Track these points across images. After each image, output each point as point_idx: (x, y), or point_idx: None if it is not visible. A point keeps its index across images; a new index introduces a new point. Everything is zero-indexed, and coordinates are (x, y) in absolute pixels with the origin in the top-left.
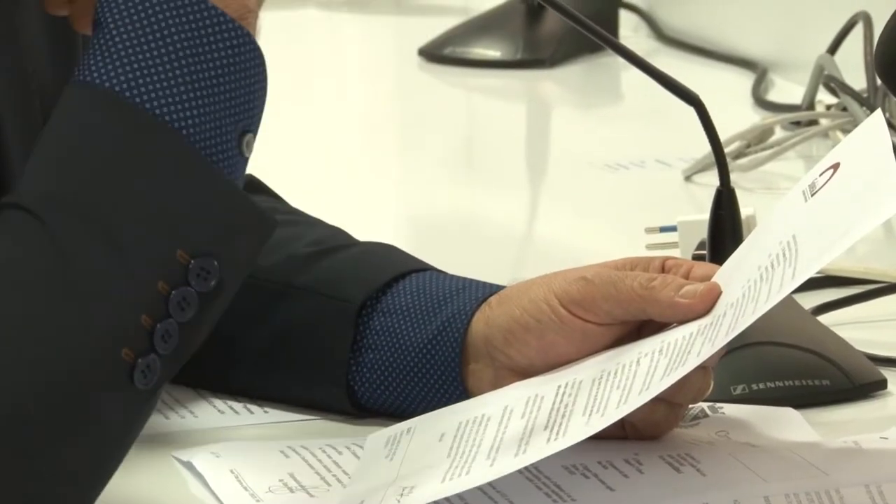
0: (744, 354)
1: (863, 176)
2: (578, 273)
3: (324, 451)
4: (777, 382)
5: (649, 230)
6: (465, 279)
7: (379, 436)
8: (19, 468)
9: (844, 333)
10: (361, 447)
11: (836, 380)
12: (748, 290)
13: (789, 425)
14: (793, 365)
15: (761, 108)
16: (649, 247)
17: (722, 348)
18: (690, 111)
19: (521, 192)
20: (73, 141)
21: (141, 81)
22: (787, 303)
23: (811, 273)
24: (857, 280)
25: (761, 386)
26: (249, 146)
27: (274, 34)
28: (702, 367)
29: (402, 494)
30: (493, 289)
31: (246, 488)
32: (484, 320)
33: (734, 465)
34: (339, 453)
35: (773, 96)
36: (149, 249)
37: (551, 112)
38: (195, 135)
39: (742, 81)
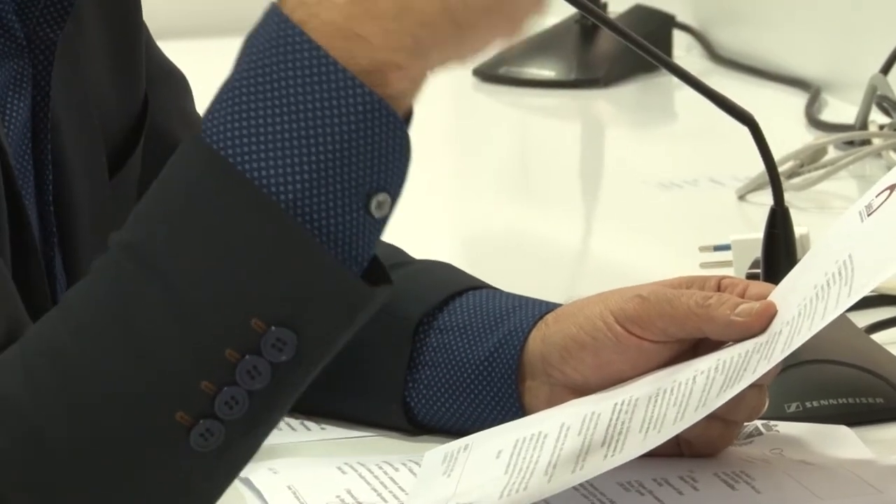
0: (798, 372)
1: None
2: (634, 291)
3: (380, 468)
4: (830, 400)
5: (703, 249)
6: (521, 297)
7: (436, 452)
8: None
9: None
10: (418, 464)
11: (890, 397)
12: (804, 308)
13: (843, 443)
14: (846, 383)
15: (814, 127)
16: (703, 265)
17: (777, 366)
18: (743, 130)
19: (575, 210)
20: (170, 195)
21: (243, 141)
22: (841, 321)
23: (867, 291)
24: None
25: (815, 404)
26: (382, 206)
27: None
28: (757, 386)
29: None
30: (550, 307)
31: (302, 502)
32: (540, 338)
33: (788, 483)
34: (396, 470)
35: (826, 116)
36: (220, 315)
37: (605, 131)
38: (296, 202)
39: (795, 101)
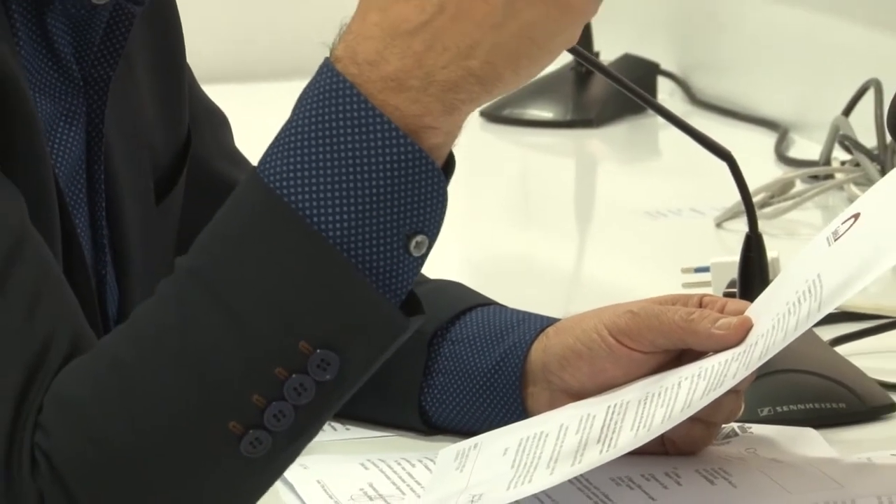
0: (770, 380)
1: (881, 225)
2: (626, 307)
3: (399, 464)
4: (799, 405)
5: (685, 270)
6: (524, 312)
7: (449, 450)
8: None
9: (858, 362)
10: (433, 461)
11: (851, 403)
12: (777, 322)
13: (810, 443)
14: (813, 390)
15: (783, 163)
16: (685, 285)
17: (752, 374)
18: (720, 165)
19: (571, 236)
20: (230, 227)
21: (299, 184)
22: (808, 335)
23: (833, 307)
24: (869, 315)
25: (785, 408)
26: (420, 246)
27: None
28: (734, 391)
29: (472, 501)
30: (550, 321)
31: (331, 496)
32: (542, 349)
33: (762, 479)
34: (413, 466)
35: (794, 153)
36: (272, 336)
37: (597, 166)
38: (343, 238)
39: (766, 140)
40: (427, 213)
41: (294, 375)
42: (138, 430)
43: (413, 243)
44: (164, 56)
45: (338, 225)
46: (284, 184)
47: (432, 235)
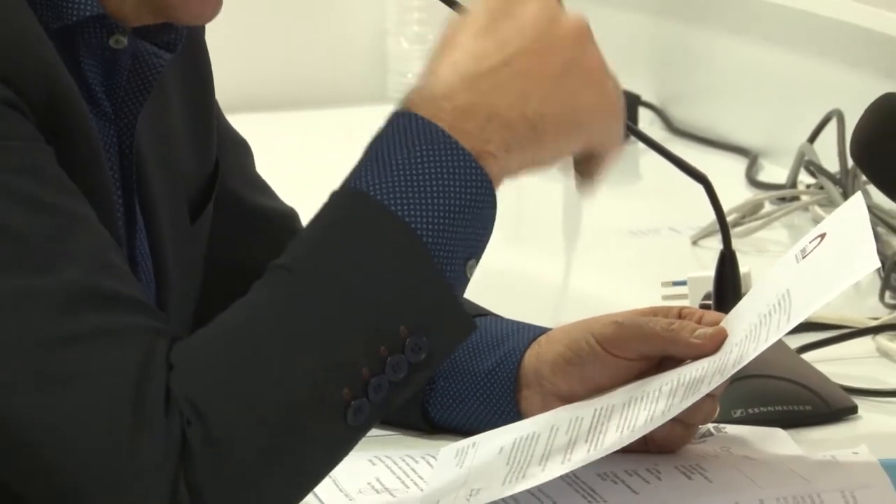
0: (743, 385)
1: (844, 244)
2: (611, 318)
3: (403, 461)
4: (769, 408)
5: (664, 284)
6: (518, 322)
7: (449, 448)
8: (250, 464)
9: (823, 368)
10: (435, 457)
11: (817, 406)
12: (750, 332)
13: (779, 442)
14: (781, 393)
15: (753, 186)
16: (665, 298)
17: (727, 379)
18: (695, 188)
19: (559, 253)
20: (336, 229)
21: (406, 200)
22: (777, 343)
23: (801, 319)
24: (833, 325)
25: (756, 410)
26: (471, 269)
27: (358, 129)
28: (710, 395)
29: (470, 495)
30: (542, 330)
31: (341, 489)
32: (534, 356)
33: (735, 475)
34: (416, 462)
35: (763, 177)
36: (380, 319)
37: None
38: (434, 244)
39: (737, 165)
40: (483, 241)
41: (394, 355)
42: (267, 385)
43: (468, 265)
44: (196, 90)
45: (430, 231)
46: (384, 190)
47: (478, 261)
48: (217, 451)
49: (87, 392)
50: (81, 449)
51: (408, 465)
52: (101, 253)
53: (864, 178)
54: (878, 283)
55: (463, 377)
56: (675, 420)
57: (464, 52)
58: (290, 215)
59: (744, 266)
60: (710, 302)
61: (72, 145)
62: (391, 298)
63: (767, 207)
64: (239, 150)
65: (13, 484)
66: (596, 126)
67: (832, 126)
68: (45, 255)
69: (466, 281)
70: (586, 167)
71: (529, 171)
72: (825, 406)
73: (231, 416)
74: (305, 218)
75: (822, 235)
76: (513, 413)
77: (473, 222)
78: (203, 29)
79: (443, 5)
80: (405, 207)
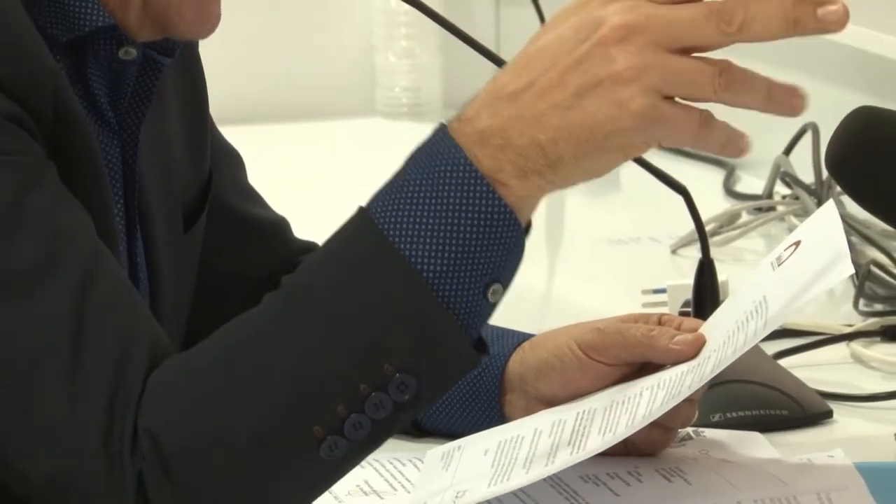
0: (721, 389)
1: (818, 252)
2: (593, 325)
3: (391, 463)
4: (746, 412)
5: (645, 292)
6: (502, 328)
7: (436, 451)
8: (209, 496)
9: (799, 374)
10: (422, 460)
11: (793, 410)
12: (728, 338)
13: (756, 446)
14: (758, 398)
15: (731, 197)
16: (645, 305)
17: (705, 384)
18: (675, 198)
19: (543, 261)
20: (336, 257)
21: (408, 230)
22: (754, 349)
23: (777, 325)
24: (808, 332)
25: (734, 414)
26: (496, 294)
27: (347, 141)
28: (689, 400)
29: (456, 497)
30: (526, 336)
31: (330, 491)
32: (518, 361)
33: (714, 477)
34: (404, 465)
35: (740, 188)
36: (361, 355)
37: (566, 199)
38: (436, 278)
39: (715, 176)
40: (506, 265)
41: (375, 393)
42: (234, 419)
43: (491, 290)
44: (191, 103)
45: (433, 265)
46: (389, 224)
47: (507, 285)
48: (173, 483)
49: (55, 426)
50: (41, 480)
51: (395, 467)
52: (94, 265)
53: (838, 188)
54: (852, 291)
55: None
56: (655, 424)
57: (503, 72)
58: (282, 224)
59: (722, 274)
60: (690, 309)
61: (75, 157)
62: (378, 334)
63: (744, 217)
64: (231, 161)
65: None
66: (628, 141)
67: (807, 139)
68: (35, 273)
69: (490, 306)
70: None
71: (562, 187)
72: (801, 410)
73: (188, 447)
74: (296, 226)
75: (797, 243)
76: (497, 416)
77: (488, 249)
78: (197, 43)
79: (429, 22)
80: (406, 238)
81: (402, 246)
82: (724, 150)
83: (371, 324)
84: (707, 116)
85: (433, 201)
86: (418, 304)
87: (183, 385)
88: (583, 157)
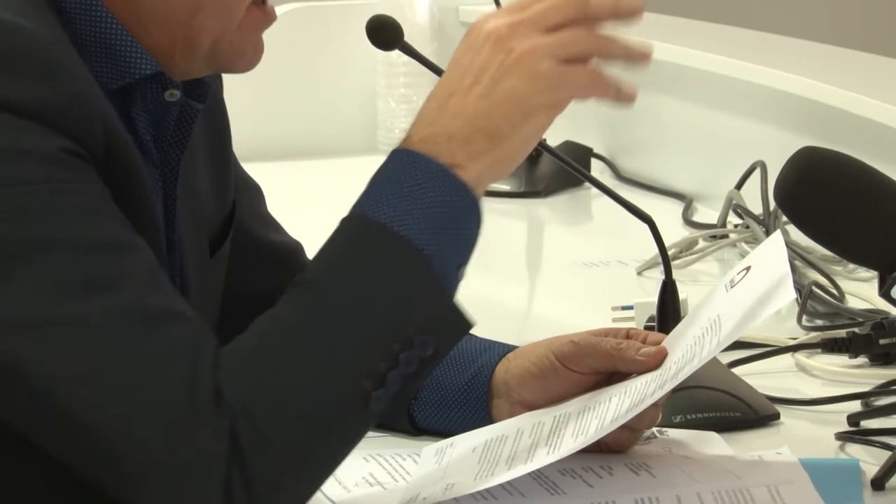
0: (682, 394)
1: (766, 276)
2: (568, 338)
3: (393, 458)
4: (705, 414)
5: (614, 308)
6: (490, 341)
7: (431, 448)
8: (294, 453)
9: (750, 381)
10: (419, 455)
11: (745, 412)
12: (687, 351)
13: (713, 444)
14: (715, 402)
15: (689, 226)
16: (614, 320)
17: (668, 391)
18: (640, 227)
19: (524, 282)
20: (344, 249)
21: (405, 219)
22: (711, 359)
23: (730, 342)
24: (758, 344)
25: (693, 416)
26: (461, 275)
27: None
28: (654, 404)
29: (446, 488)
30: (510, 348)
31: (339, 482)
32: (504, 370)
33: (676, 471)
34: (404, 459)
35: (697, 218)
36: (392, 320)
37: (544, 228)
38: (434, 260)
39: (675, 207)
40: (471, 249)
41: (405, 351)
42: (304, 377)
43: (460, 272)
44: (216, 140)
45: (428, 243)
46: (386, 214)
47: (466, 267)
48: (264, 442)
49: (145, 391)
50: (139, 440)
51: (397, 462)
52: (153, 275)
53: (784, 219)
54: (796, 308)
55: (443, 388)
56: (623, 426)
57: (430, 97)
58: (297, 248)
59: (682, 293)
60: (654, 324)
61: (126, 191)
62: (400, 304)
63: (701, 244)
64: (251, 192)
65: (78, 469)
66: (548, 100)
67: (756, 175)
68: (108, 278)
69: (458, 282)
70: None
71: (508, 165)
72: (752, 413)
73: (274, 410)
74: (310, 249)
75: (748, 268)
76: (485, 418)
77: (462, 229)
78: (222, 89)
79: (425, 71)
80: (402, 224)
81: (401, 229)
82: (619, 96)
83: (393, 295)
84: (599, 71)
85: (410, 193)
86: (424, 276)
87: (253, 355)
88: (518, 123)
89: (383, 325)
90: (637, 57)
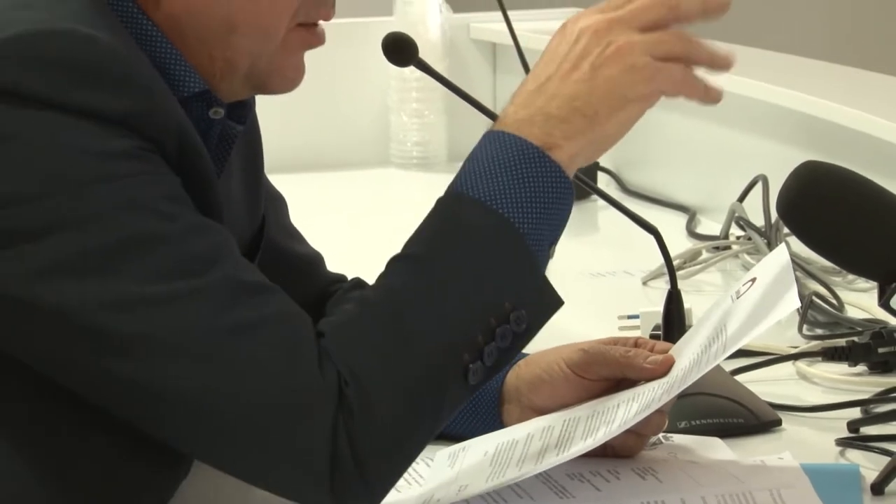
0: (687, 401)
1: (771, 288)
2: (578, 346)
3: None
4: (708, 420)
5: (620, 317)
6: None
7: (444, 452)
8: (398, 421)
9: (753, 388)
10: (432, 459)
11: (748, 419)
12: (693, 359)
13: (716, 449)
14: (719, 408)
15: (693, 237)
16: (621, 329)
17: (674, 397)
18: (646, 238)
19: None
20: (450, 226)
21: (501, 197)
22: (715, 367)
23: (734, 350)
24: (760, 352)
25: (698, 422)
26: (552, 252)
27: (366, 187)
28: (659, 411)
29: (459, 490)
30: (522, 355)
31: None
32: (515, 376)
33: (681, 475)
34: (417, 463)
35: (701, 230)
36: (490, 296)
37: None
38: (529, 238)
39: (679, 220)
40: (563, 227)
41: (501, 326)
42: (408, 347)
43: (552, 250)
44: (250, 157)
45: (524, 222)
46: (487, 195)
47: (556, 245)
48: (370, 407)
49: (253, 361)
50: (251, 402)
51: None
52: (235, 253)
53: (785, 231)
54: (797, 318)
55: None
56: (630, 430)
57: (524, 83)
58: (318, 259)
59: (686, 303)
60: (660, 333)
61: (196, 195)
62: (498, 278)
63: (704, 255)
64: (276, 203)
65: (158, 437)
66: (641, 91)
67: (758, 188)
68: (201, 260)
69: (548, 260)
70: None
71: (599, 149)
72: (755, 419)
73: (381, 378)
74: (329, 260)
75: (753, 280)
76: (496, 423)
77: (556, 208)
78: (254, 109)
79: (437, 86)
80: (498, 201)
81: (498, 207)
82: (707, 96)
83: (491, 271)
84: (690, 69)
85: (507, 172)
86: (520, 253)
87: (360, 324)
88: (615, 109)
89: (482, 299)
90: (721, 62)
